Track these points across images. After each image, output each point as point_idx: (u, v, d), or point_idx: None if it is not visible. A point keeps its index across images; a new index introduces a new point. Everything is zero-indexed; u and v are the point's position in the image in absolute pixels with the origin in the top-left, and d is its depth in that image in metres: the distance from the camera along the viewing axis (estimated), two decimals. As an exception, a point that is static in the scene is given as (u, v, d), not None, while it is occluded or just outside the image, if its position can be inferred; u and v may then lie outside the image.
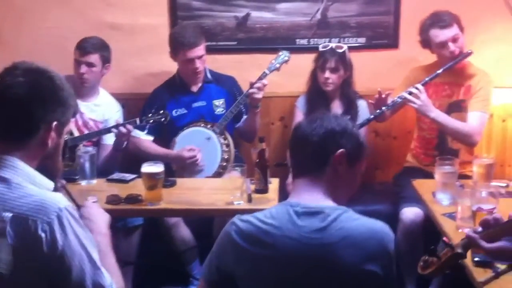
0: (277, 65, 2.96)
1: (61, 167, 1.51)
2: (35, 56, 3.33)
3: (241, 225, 1.43)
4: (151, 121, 2.84)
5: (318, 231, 1.37)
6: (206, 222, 2.91)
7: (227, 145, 2.99)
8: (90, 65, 2.96)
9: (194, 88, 3.11)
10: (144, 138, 3.06)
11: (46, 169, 1.43)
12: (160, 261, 2.81)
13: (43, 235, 1.25)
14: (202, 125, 3.02)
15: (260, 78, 2.91)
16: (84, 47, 2.96)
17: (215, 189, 2.62)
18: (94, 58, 2.96)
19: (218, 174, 2.96)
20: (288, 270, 1.38)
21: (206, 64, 3.10)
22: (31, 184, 1.34)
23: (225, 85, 3.14)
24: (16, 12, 3.41)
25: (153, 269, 2.74)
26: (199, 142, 2.97)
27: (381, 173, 3.45)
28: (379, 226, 1.41)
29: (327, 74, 3.00)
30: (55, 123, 1.39)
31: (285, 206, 1.45)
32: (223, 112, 3.07)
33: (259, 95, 2.90)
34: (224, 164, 2.97)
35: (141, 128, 3.01)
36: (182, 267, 2.88)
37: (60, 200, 1.32)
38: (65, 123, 1.43)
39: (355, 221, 1.40)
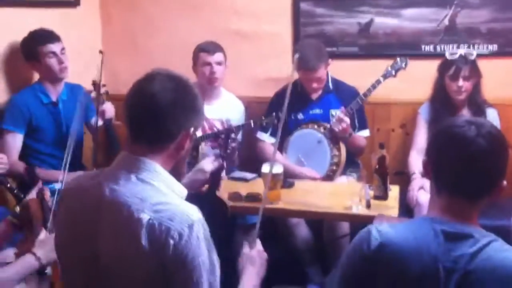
0: (393, 72, 2.88)
1: (185, 171, 1.56)
2: (167, 62, 3.55)
3: (378, 236, 1.32)
4: (264, 123, 2.88)
5: (465, 256, 1.26)
6: (322, 224, 2.90)
7: (338, 149, 2.95)
8: (219, 63, 3.09)
9: (314, 96, 3.12)
10: (267, 141, 3.15)
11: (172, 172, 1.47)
12: (277, 259, 2.83)
13: (171, 241, 1.28)
14: (316, 127, 3.01)
15: (373, 86, 2.86)
16: (210, 48, 3.09)
17: (333, 193, 2.61)
18: (221, 56, 3.10)
19: (328, 177, 2.94)
20: None
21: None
22: (168, 189, 1.39)
23: (343, 95, 3.09)
24: (150, 21, 3.67)
25: (271, 266, 2.77)
26: (310, 144, 2.98)
27: (509, 187, 3.20)
28: None
29: (461, 82, 2.87)
30: (192, 129, 1.45)
31: (429, 223, 1.33)
32: None
33: (338, 128, 2.86)
34: (334, 168, 2.95)
35: (265, 130, 3.11)
36: (300, 267, 2.89)
37: (193, 212, 1.34)
38: (197, 129, 1.50)
39: (504, 253, 1.28)
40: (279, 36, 3.45)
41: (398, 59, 2.91)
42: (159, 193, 1.36)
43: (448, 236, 1.29)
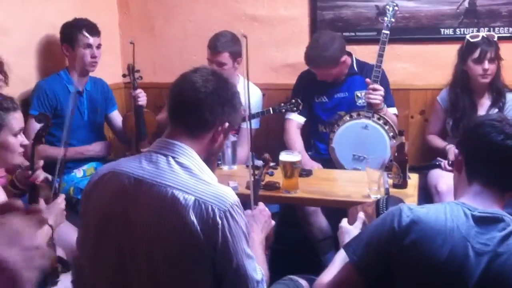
0: (392, 20, 2.81)
1: (216, 166, 1.62)
2: (184, 46, 3.59)
3: (410, 213, 1.34)
4: (283, 110, 2.86)
5: (495, 239, 1.29)
6: (339, 213, 2.90)
7: (385, 122, 2.79)
8: (220, 64, 2.97)
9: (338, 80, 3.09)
10: (295, 119, 3.13)
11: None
12: (295, 248, 2.86)
13: (220, 221, 1.36)
14: (348, 118, 2.88)
15: (383, 42, 2.79)
16: (214, 46, 2.99)
17: (350, 181, 2.60)
18: (224, 57, 2.98)
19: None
20: (451, 271, 1.28)
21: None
22: (203, 174, 1.46)
23: (369, 75, 3.03)
24: (167, 7, 3.66)
25: (288, 255, 2.80)
26: (358, 134, 2.82)
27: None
28: None
29: (486, 65, 2.81)
30: (227, 124, 1.53)
31: (460, 206, 1.36)
32: (364, 103, 3.00)
33: (377, 98, 2.76)
34: (394, 141, 2.69)
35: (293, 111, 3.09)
36: (317, 256, 2.91)
37: (232, 194, 1.43)
38: (233, 126, 1.57)
39: None
40: (296, 20, 3.41)
41: (388, 5, 2.84)
42: (197, 176, 1.43)
43: (478, 219, 1.32)
